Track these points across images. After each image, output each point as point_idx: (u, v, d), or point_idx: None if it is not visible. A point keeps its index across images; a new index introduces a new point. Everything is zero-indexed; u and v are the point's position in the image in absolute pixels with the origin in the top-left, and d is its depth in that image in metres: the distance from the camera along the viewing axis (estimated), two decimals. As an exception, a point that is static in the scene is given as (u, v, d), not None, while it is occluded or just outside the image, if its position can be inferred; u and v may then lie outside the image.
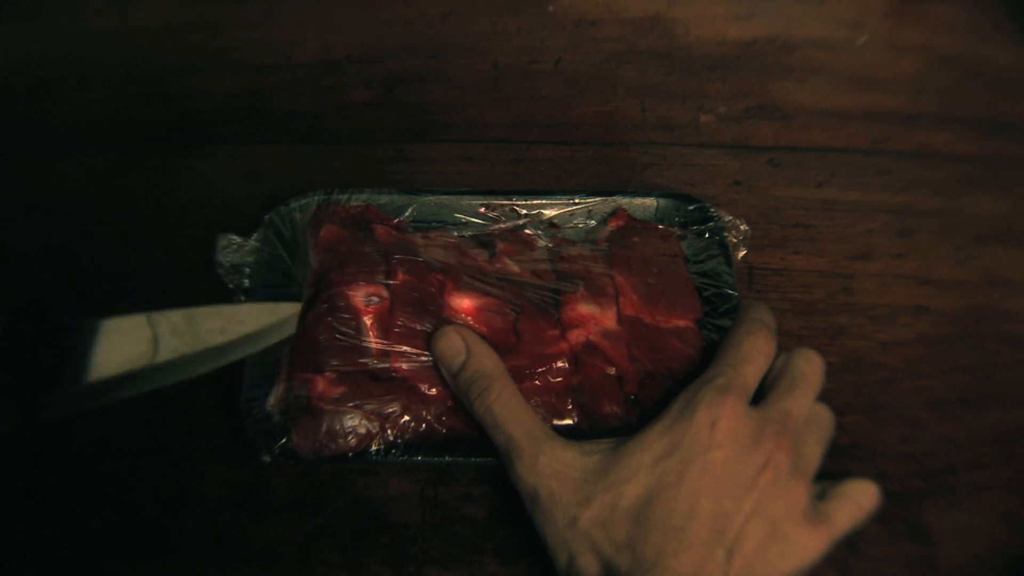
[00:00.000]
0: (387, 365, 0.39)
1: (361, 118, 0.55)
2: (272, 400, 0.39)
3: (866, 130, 0.55)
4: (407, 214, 0.46)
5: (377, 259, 0.42)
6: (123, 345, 0.34)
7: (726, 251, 0.45)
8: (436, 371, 0.39)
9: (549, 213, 0.48)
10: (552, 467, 0.34)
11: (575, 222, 0.48)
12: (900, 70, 0.57)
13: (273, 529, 0.40)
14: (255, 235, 0.44)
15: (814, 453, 0.35)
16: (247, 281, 0.43)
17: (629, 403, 0.40)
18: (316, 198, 0.46)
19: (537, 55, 0.58)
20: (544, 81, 0.57)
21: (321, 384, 0.38)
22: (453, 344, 0.38)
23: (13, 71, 0.57)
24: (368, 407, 0.38)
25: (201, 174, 0.53)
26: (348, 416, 0.38)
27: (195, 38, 0.58)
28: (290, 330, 0.40)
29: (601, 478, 0.33)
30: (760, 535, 0.32)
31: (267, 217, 0.45)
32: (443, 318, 0.40)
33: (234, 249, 0.43)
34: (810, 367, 0.37)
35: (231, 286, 0.43)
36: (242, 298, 0.42)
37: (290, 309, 0.40)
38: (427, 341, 0.39)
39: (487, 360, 0.38)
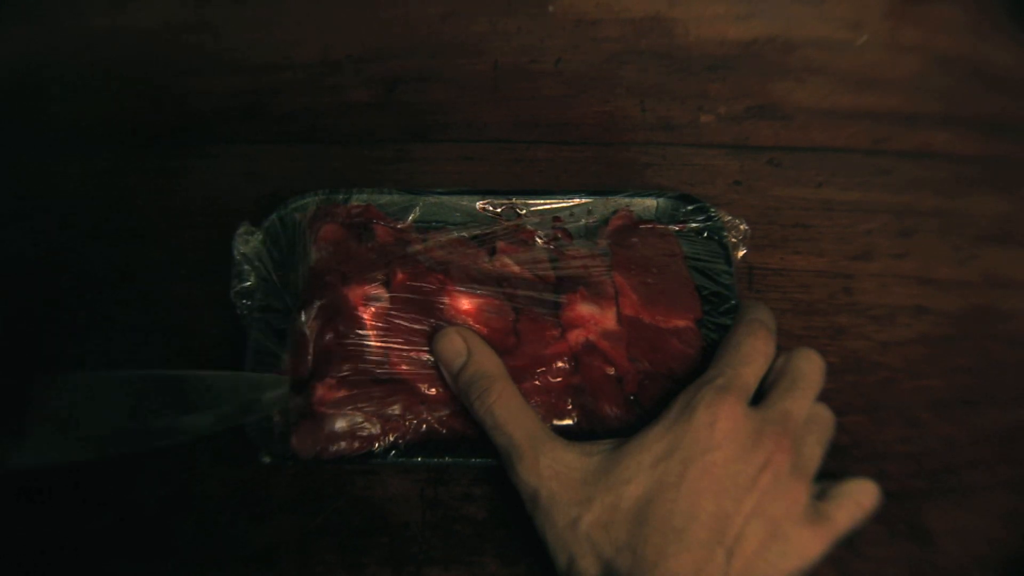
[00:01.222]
0: (387, 367, 0.39)
1: (361, 118, 0.55)
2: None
3: (866, 130, 0.55)
4: (411, 217, 0.46)
5: (377, 259, 0.42)
6: (88, 407, 0.32)
7: (726, 251, 0.45)
8: (436, 372, 0.39)
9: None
10: (553, 468, 0.34)
11: (575, 222, 0.48)
12: (900, 70, 0.57)
13: (273, 529, 0.40)
14: (258, 235, 0.44)
15: (814, 453, 0.35)
16: (252, 277, 0.43)
17: (629, 403, 0.40)
18: (316, 198, 0.46)
19: (537, 55, 0.58)
20: (544, 81, 0.57)
21: (321, 390, 0.38)
22: (454, 345, 0.38)
23: (13, 71, 0.57)
24: (368, 409, 0.38)
25: (201, 174, 0.53)
26: (348, 419, 0.38)
27: (195, 38, 0.58)
28: (274, 407, 0.38)
29: (601, 479, 0.33)
30: (760, 535, 0.32)
31: (267, 219, 0.45)
32: (443, 318, 0.40)
33: (245, 240, 0.43)
34: (810, 367, 0.37)
35: (237, 273, 0.43)
36: (242, 305, 0.42)
37: (276, 385, 0.38)
38: (427, 342, 0.39)
39: (488, 361, 0.38)
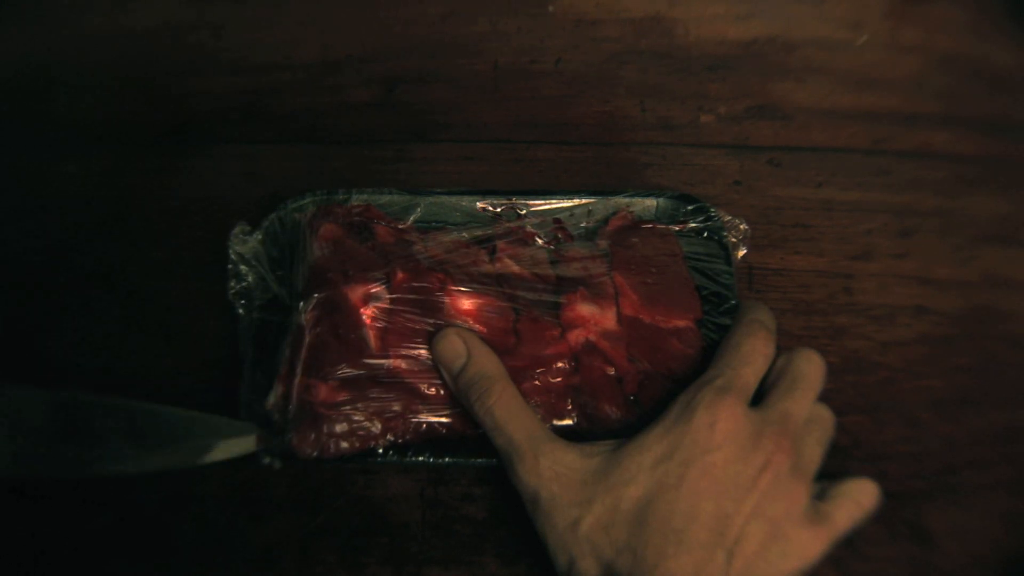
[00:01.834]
0: (387, 366, 0.39)
1: (361, 118, 0.55)
2: (272, 400, 0.39)
3: (866, 130, 0.55)
4: (412, 217, 0.46)
5: (377, 259, 0.42)
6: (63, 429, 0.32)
7: (726, 251, 0.45)
8: (437, 371, 0.39)
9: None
10: (553, 469, 0.34)
11: (575, 222, 0.48)
12: (900, 70, 0.57)
13: (273, 529, 0.40)
14: (256, 234, 0.44)
15: (814, 454, 0.35)
16: (250, 276, 0.43)
17: (629, 403, 0.40)
18: (316, 198, 0.46)
19: (537, 55, 0.57)
20: (544, 81, 0.57)
21: (324, 391, 0.38)
22: (453, 346, 0.38)
23: (13, 71, 0.57)
24: (368, 409, 0.38)
25: (201, 174, 0.53)
26: (349, 419, 0.38)
27: (195, 38, 0.58)
28: (235, 454, 0.37)
29: (602, 480, 0.33)
30: (760, 536, 0.32)
31: (266, 219, 0.45)
32: (443, 318, 0.40)
33: (242, 240, 0.43)
34: (810, 367, 0.37)
35: (234, 273, 0.42)
36: (241, 305, 0.42)
37: (240, 431, 0.37)
38: (427, 342, 0.39)
39: (487, 362, 0.38)
